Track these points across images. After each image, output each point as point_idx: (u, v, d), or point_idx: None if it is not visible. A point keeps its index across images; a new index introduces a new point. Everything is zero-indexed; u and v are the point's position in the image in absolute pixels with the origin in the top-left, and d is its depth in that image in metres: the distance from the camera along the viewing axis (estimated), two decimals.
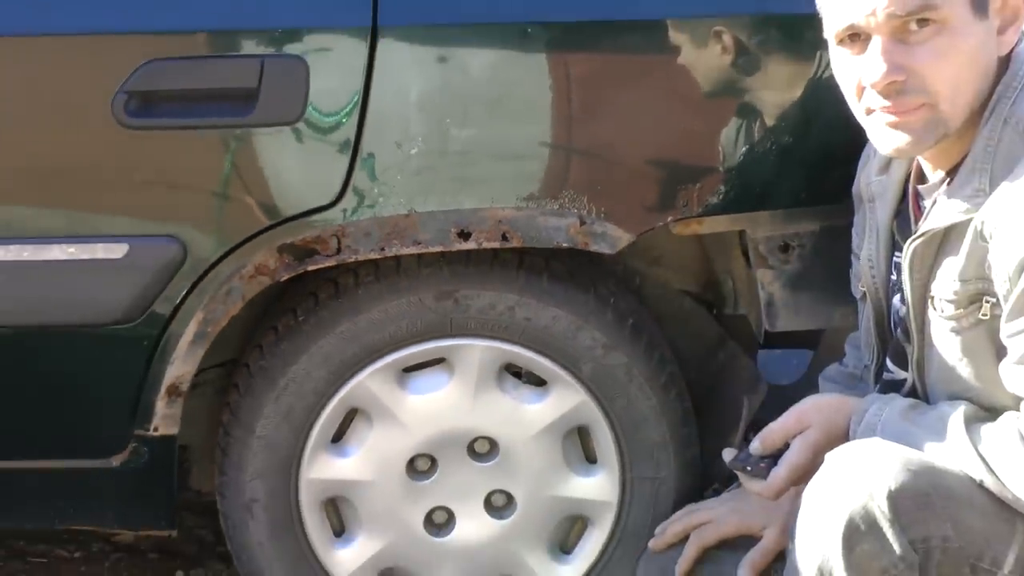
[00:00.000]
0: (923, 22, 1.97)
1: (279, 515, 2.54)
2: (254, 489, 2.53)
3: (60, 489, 2.57)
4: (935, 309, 2.09)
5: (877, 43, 1.99)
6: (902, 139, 2.02)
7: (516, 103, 2.38)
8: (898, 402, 2.15)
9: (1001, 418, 2.02)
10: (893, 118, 2.02)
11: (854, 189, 2.33)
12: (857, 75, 2.02)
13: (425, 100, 2.34)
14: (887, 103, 2.01)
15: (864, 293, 2.29)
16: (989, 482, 1.98)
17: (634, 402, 2.52)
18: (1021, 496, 1.97)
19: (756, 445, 2.28)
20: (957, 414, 2.05)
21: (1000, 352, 2.03)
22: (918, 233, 2.08)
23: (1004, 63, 2.06)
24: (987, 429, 2.02)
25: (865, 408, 2.16)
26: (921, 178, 2.14)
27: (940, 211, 2.06)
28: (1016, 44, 2.08)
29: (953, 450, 2.02)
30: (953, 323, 2.07)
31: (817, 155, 2.43)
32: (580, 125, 2.39)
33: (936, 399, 2.15)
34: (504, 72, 2.38)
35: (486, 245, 2.41)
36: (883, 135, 2.04)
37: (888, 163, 2.20)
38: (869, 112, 2.04)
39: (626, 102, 2.39)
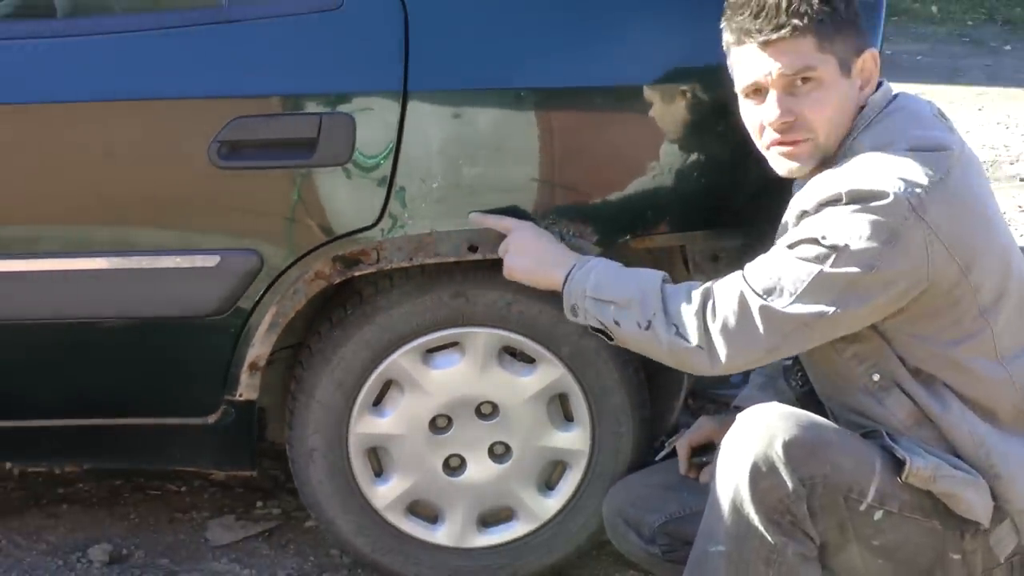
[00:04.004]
0: (806, 80, 2.27)
1: (333, 460, 2.74)
2: (314, 441, 2.74)
3: (170, 439, 2.78)
4: None
5: (773, 95, 2.28)
6: (792, 165, 2.32)
7: (512, 149, 2.58)
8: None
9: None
10: (787, 149, 2.31)
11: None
12: (760, 118, 2.32)
13: (443, 147, 2.55)
14: (781, 137, 2.30)
15: None
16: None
17: (601, 375, 2.71)
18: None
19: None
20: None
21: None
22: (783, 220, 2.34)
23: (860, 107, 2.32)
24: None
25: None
26: None
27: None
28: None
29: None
30: None
31: (736, 191, 2.64)
32: (561, 166, 2.59)
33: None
34: (502, 125, 2.58)
35: (489, 256, 2.59)
36: (779, 162, 2.34)
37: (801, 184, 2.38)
38: (768, 146, 2.33)
39: (596, 149, 2.59)
